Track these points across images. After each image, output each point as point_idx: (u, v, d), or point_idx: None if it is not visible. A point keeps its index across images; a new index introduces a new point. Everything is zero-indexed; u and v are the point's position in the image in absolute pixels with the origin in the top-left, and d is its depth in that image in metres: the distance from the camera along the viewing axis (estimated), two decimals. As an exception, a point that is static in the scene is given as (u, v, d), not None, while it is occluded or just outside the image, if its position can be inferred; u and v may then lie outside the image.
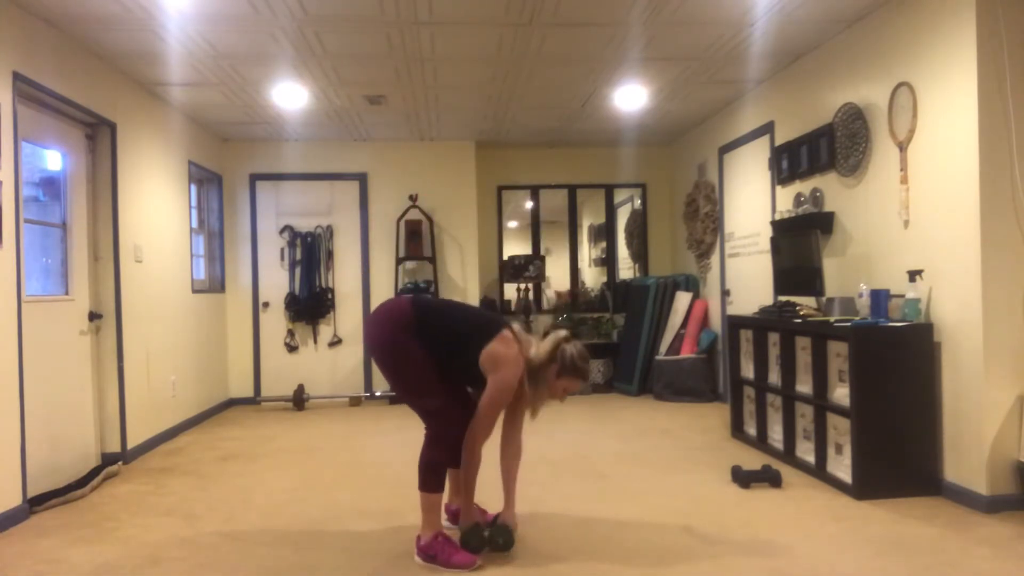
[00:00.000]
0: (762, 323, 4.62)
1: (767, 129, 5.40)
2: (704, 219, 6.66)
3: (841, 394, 3.77)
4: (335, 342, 6.99)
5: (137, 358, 4.89)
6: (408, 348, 2.86)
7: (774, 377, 4.51)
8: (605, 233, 7.94)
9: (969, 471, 3.42)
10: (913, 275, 3.63)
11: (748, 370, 4.85)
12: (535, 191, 7.77)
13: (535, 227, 7.81)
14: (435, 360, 2.88)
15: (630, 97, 5.66)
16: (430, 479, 2.90)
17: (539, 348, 2.95)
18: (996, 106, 3.33)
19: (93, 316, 4.46)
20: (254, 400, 6.93)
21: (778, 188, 5.23)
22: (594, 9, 3.97)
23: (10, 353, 3.50)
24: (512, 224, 8.00)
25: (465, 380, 3.03)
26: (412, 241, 6.91)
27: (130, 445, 4.71)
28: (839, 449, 3.80)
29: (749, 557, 2.85)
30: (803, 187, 4.87)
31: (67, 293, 4.27)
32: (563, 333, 3.01)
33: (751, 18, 4.12)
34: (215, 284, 6.76)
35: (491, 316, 3.10)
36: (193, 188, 6.27)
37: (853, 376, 3.59)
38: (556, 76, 5.16)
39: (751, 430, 4.84)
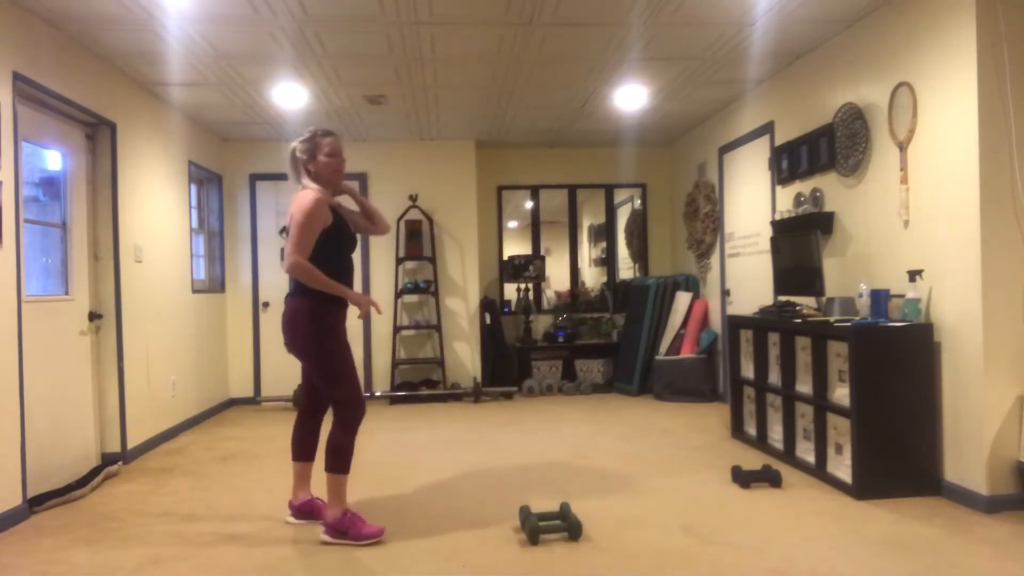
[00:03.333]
0: (762, 323, 4.62)
1: (767, 129, 5.40)
2: (704, 219, 6.66)
3: (841, 394, 3.77)
4: (335, 342, 6.99)
5: (137, 358, 4.89)
6: (326, 340, 3.12)
7: (774, 377, 4.51)
8: (605, 233, 7.94)
9: (969, 471, 3.42)
10: (913, 275, 3.64)
11: (748, 370, 4.85)
12: (535, 191, 7.77)
13: (535, 227, 7.81)
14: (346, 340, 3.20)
15: (630, 97, 5.66)
16: (341, 461, 3.12)
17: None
18: (996, 106, 3.33)
19: (93, 316, 4.46)
20: (254, 400, 6.93)
21: (778, 188, 5.23)
22: (594, 9, 3.97)
23: (10, 353, 3.50)
24: (512, 224, 7.99)
25: (337, 256, 3.20)
26: (412, 241, 6.92)
27: (130, 445, 4.71)
28: (839, 449, 3.80)
29: (749, 557, 2.86)
30: (803, 187, 4.87)
31: (67, 293, 4.27)
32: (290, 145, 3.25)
33: (751, 18, 4.12)
34: (215, 284, 6.76)
35: None
36: (193, 188, 6.27)
37: (853, 376, 3.59)
38: (556, 76, 5.16)
39: (751, 430, 4.84)
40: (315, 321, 3.14)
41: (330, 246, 3.12)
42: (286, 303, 3.25)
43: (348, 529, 3.08)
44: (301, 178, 3.19)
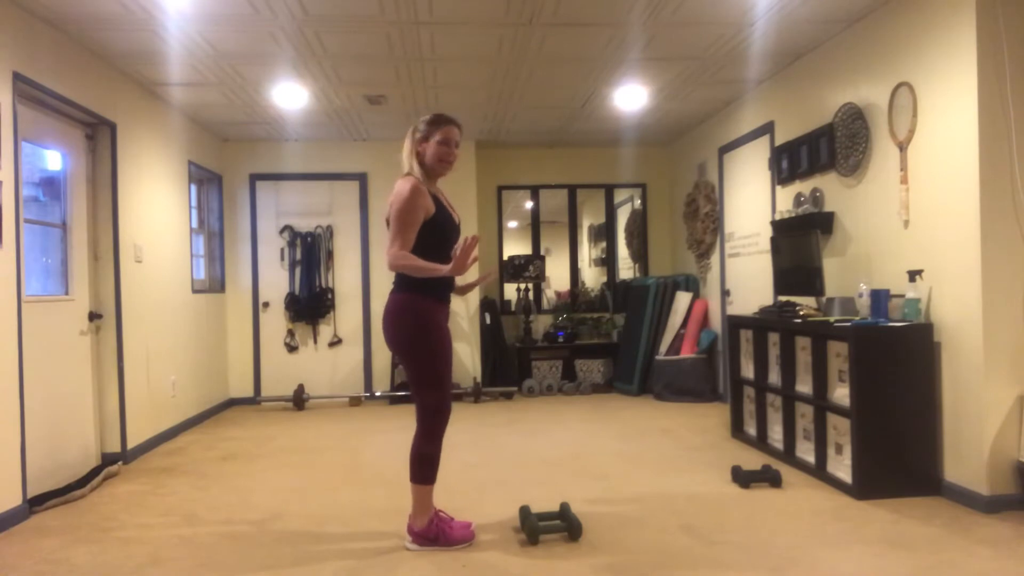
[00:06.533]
0: (762, 323, 4.62)
1: (767, 129, 5.40)
2: (704, 219, 6.66)
3: (841, 394, 3.77)
4: (335, 342, 7.00)
5: (137, 358, 4.89)
6: (426, 339, 2.94)
7: (774, 377, 4.51)
8: (605, 233, 7.94)
9: (969, 471, 3.42)
10: (913, 275, 3.63)
11: (748, 370, 4.85)
12: (535, 191, 7.77)
13: (535, 227, 7.81)
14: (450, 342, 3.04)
15: (630, 97, 5.66)
16: (424, 472, 3.00)
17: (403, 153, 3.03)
18: (996, 106, 3.33)
19: (93, 316, 4.46)
20: (254, 400, 6.93)
21: (778, 188, 5.23)
22: (594, 9, 3.97)
23: (10, 353, 3.50)
24: (512, 224, 7.99)
25: (444, 248, 3.03)
26: (412, 241, 6.90)
27: (130, 445, 4.71)
28: (839, 449, 3.80)
29: (749, 557, 2.85)
30: (803, 187, 4.87)
31: (67, 293, 4.27)
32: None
33: (751, 18, 4.12)
34: (215, 284, 6.76)
35: None
36: (193, 188, 6.27)
37: (853, 376, 3.59)
38: (556, 76, 5.16)
39: (751, 430, 4.83)
40: (417, 317, 2.95)
41: (433, 239, 2.93)
42: (388, 298, 3.08)
43: (438, 536, 3.01)
44: (411, 159, 3.00)
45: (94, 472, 4.18)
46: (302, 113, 5.92)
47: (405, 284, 2.99)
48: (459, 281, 3.18)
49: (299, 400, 6.65)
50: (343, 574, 2.79)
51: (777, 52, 4.72)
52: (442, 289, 3.05)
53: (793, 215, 4.78)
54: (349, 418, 6.16)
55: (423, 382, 2.99)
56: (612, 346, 7.43)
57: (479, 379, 6.99)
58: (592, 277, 8.15)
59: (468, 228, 7.10)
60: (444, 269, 2.81)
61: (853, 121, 4.22)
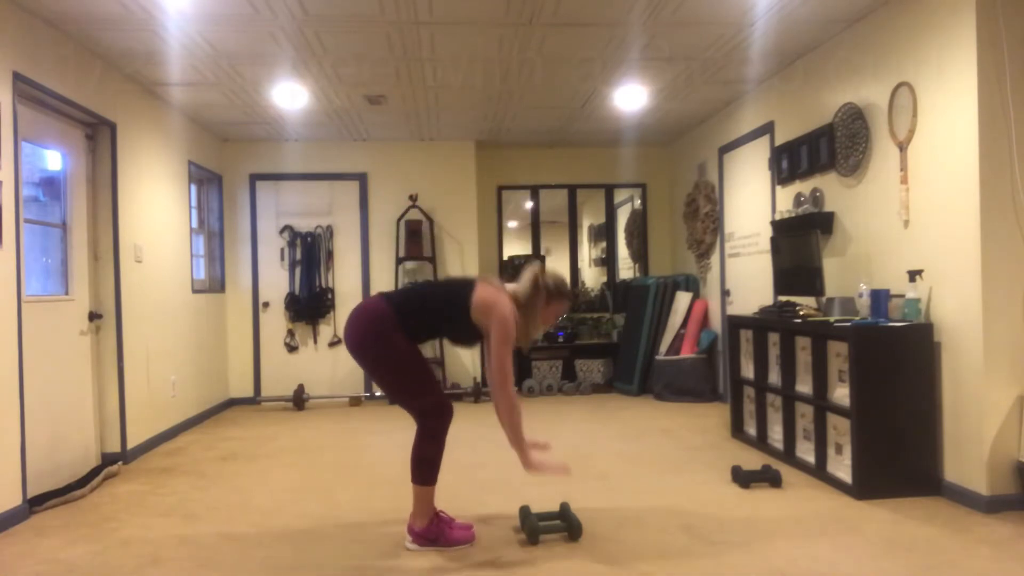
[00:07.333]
0: (762, 323, 4.62)
1: (767, 129, 5.40)
2: (704, 219, 6.66)
3: (841, 394, 3.77)
4: (335, 342, 7.00)
5: (137, 358, 4.89)
6: (392, 347, 2.95)
7: (774, 377, 4.51)
8: (605, 233, 7.94)
9: (969, 471, 3.42)
10: (913, 275, 3.64)
11: (748, 370, 4.85)
12: (535, 191, 7.77)
13: (535, 227, 7.80)
14: (419, 348, 3.05)
15: (630, 97, 5.66)
16: (425, 472, 3.00)
17: (519, 284, 3.06)
18: (996, 106, 3.33)
19: (93, 316, 4.46)
20: (254, 400, 6.93)
21: (778, 188, 5.23)
22: (594, 9, 3.97)
23: (10, 353, 3.50)
24: (512, 224, 7.99)
25: (464, 341, 3.15)
26: (412, 241, 6.91)
27: (130, 445, 4.71)
28: (839, 449, 3.80)
29: (749, 557, 2.86)
30: (803, 187, 4.87)
31: (67, 293, 4.27)
32: (536, 266, 3.11)
33: (751, 18, 4.12)
34: (215, 284, 6.76)
35: (461, 278, 3.18)
36: (193, 188, 6.27)
37: (853, 376, 3.59)
38: (556, 76, 5.16)
39: (751, 430, 4.83)
40: (387, 325, 2.94)
41: (472, 332, 3.01)
42: (369, 299, 3.07)
43: (438, 536, 3.01)
44: (529, 299, 3.01)
45: (94, 472, 4.18)
46: (302, 113, 5.92)
47: (395, 304, 2.98)
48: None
49: (299, 400, 6.65)
50: (343, 574, 2.79)
51: (777, 52, 4.72)
52: (422, 335, 3.07)
53: (793, 215, 4.78)
54: (349, 418, 6.16)
55: (407, 392, 3.02)
56: (612, 346, 7.43)
57: (479, 379, 6.99)
58: (592, 277, 8.15)
59: (468, 228, 7.12)
60: (523, 453, 3.02)
61: (853, 121, 4.22)
